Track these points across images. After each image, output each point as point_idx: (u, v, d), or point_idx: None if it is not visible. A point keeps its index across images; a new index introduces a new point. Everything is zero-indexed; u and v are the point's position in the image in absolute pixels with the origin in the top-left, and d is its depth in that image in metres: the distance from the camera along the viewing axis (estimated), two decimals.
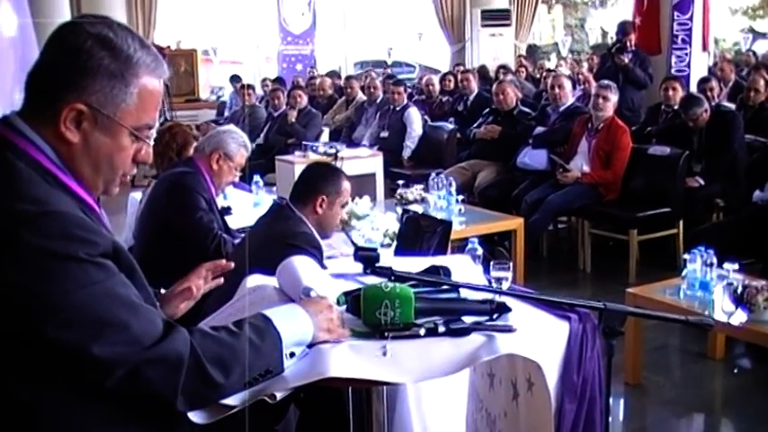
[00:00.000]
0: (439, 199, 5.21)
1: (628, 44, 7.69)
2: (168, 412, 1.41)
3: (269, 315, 1.56)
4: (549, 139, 6.44)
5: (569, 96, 6.74)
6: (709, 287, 3.56)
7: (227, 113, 11.34)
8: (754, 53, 13.00)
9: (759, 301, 3.33)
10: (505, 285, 2.06)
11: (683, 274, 3.73)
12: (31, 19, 4.71)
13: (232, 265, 1.96)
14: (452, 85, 10.06)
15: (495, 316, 1.83)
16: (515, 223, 5.28)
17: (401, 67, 17.58)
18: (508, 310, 1.85)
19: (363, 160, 7.02)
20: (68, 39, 1.38)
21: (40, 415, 1.33)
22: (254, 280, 2.08)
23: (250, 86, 10.41)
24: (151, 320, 1.38)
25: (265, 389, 1.51)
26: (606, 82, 6.30)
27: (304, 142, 7.37)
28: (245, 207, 4.77)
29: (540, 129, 6.55)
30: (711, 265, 3.62)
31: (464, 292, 1.92)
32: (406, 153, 7.86)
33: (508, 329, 1.74)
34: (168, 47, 12.86)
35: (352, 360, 1.61)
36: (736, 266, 3.55)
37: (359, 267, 1.85)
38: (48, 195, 1.33)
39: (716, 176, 5.72)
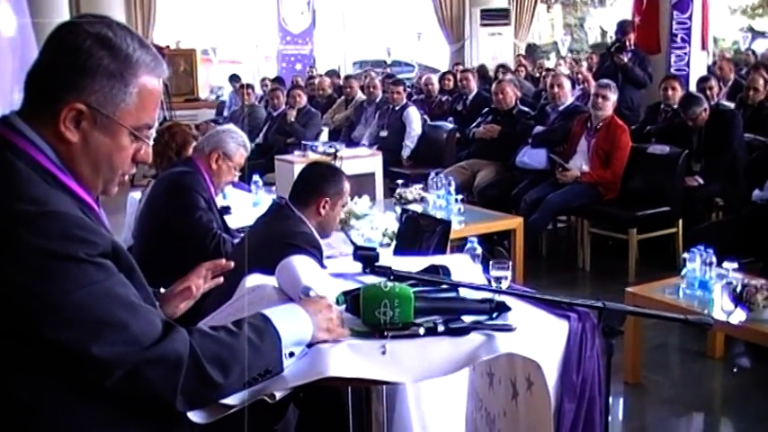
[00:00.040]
0: (438, 198, 5.21)
1: (627, 43, 7.68)
2: (168, 412, 1.41)
3: (268, 315, 1.56)
4: (549, 138, 6.44)
5: (568, 96, 6.74)
6: (709, 286, 3.57)
7: (226, 113, 11.33)
8: (754, 52, 12.99)
9: (758, 300, 3.33)
10: (505, 285, 2.05)
11: (683, 273, 3.73)
12: (30, 19, 4.71)
13: (231, 264, 1.96)
14: (452, 84, 10.06)
15: (494, 315, 1.83)
16: (515, 222, 5.28)
17: (400, 67, 17.54)
18: (507, 309, 1.85)
19: (363, 160, 6.99)
20: (67, 38, 1.38)
21: (39, 415, 1.33)
22: (253, 279, 2.08)
23: (249, 86, 10.42)
24: (150, 320, 1.38)
25: (265, 388, 1.51)
26: (605, 81, 6.30)
27: (303, 142, 7.36)
28: (244, 207, 4.78)
29: (539, 128, 6.55)
30: (711, 264, 3.62)
31: (463, 292, 1.91)
32: (406, 152, 7.85)
33: (507, 329, 1.74)
34: (167, 46, 12.86)
35: (351, 360, 1.61)
36: (736, 265, 3.55)
37: (358, 267, 1.85)
38: (47, 195, 1.33)
39: (715, 176, 5.72)
